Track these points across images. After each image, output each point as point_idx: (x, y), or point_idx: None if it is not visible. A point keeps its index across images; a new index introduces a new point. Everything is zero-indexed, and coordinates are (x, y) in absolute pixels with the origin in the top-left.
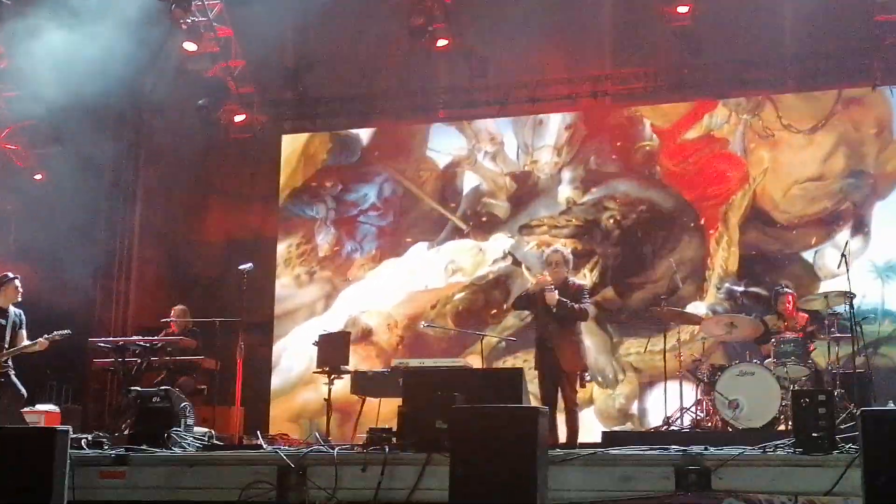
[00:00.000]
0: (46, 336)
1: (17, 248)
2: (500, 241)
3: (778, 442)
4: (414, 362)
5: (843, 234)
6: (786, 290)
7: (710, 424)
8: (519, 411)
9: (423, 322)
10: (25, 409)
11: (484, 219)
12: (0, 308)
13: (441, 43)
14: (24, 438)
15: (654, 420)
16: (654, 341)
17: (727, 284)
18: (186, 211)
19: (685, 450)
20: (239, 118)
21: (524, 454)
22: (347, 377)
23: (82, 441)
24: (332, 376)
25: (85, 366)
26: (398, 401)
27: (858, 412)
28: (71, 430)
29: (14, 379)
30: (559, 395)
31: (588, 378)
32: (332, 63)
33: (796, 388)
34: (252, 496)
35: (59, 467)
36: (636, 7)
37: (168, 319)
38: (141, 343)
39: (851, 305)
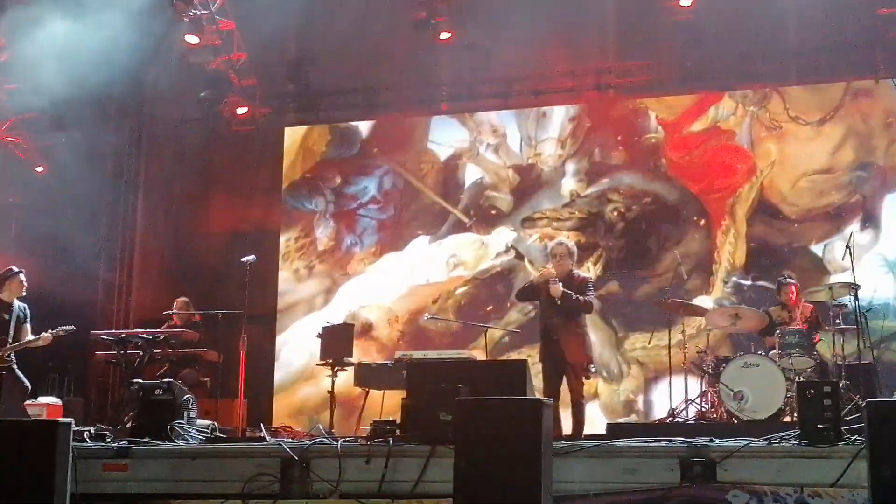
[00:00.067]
0: (50, 331)
1: (18, 241)
2: (503, 235)
3: (783, 434)
4: (418, 354)
5: (853, 228)
6: (788, 280)
7: (714, 416)
8: (523, 403)
9: (426, 314)
10: (27, 402)
11: (486, 212)
12: (4, 302)
13: (444, 36)
14: (26, 431)
15: (659, 414)
16: (658, 335)
17: (734, 278)
18: (189, 203)
19: (690, 442)
20: (241, 111)
21: (528, 446)
22: (350, 370)
23: (85, 434)
24: (336, 368)
25: (87, 358)
26: (402, 393)
27: (864, 403)
28: (73, 422)
29: (18, 372)
30: (562, 388)
31: (593, 370)
32: (335, 56)
33: (801, 379)
34: (255, 488)
35: (62, 460)
36: None
37: (170, 312)
38: (143, 335)
39: (856, 297)
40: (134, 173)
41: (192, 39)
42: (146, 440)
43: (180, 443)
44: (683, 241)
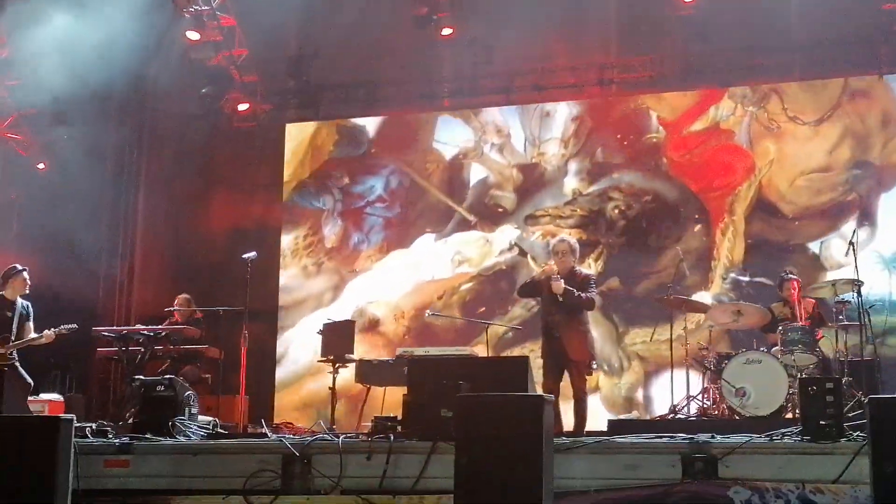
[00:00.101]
0: (53, 329)
1: (20, 238)
2: (507, 233)
3: (785, 430)
4: (419, 351)
5: (849, 225)
6: (790, 276)
7: (716, 413)
8: (524, 399)
9: (428, 311)
10: (29, 399)
11: (491, 210)
12: (8, 300)
13: (445, 31)
14: (28, 427)
15: (660, 407)
16: (659, 330)
17: (732, 274)
18: (190, 199)
19: (692, 438)
20: (242, 107)
21: (529, 442)
22: (352, 366)
23: (87, 430)
24: (337, 365)
25: (89, 355)
26: (403, 389)
27: (866, 400)
28: (75, 418)
29: (20, 369)
30: (562, 384)
31: (595, 367)
32: (336, 52)
33: (804, 376)
34: (257, 484)
35: (64, 456)
36: None
37: (172, 308)
38: (145, 332)
39: (859, 293)
40: (135, 170)
41: (193, 35)
42: (148, 436)
43: (182, 439)
44: (683, 239)
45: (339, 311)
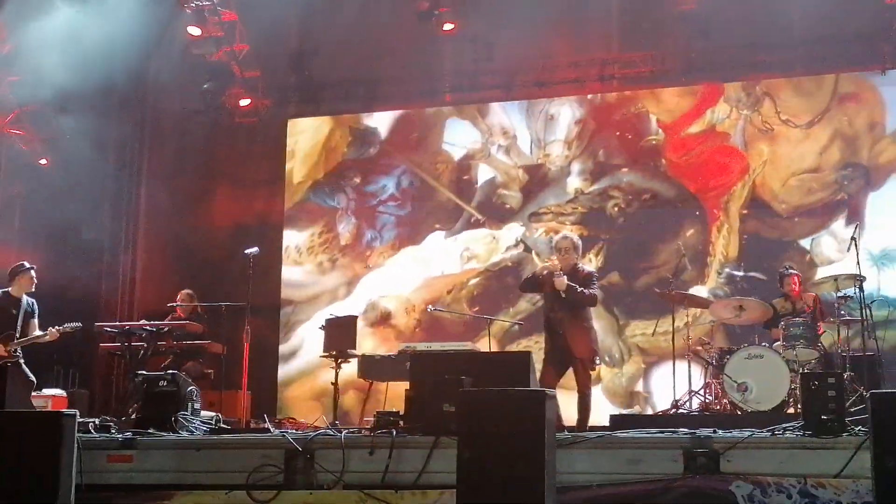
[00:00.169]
0: (57, 327)
1: (22, 233)
2: (513, 230)
3: (787, 425)
4: (421, 346)
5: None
6: (790, 270)
7: (718, 407)
8: (526, 394)
9: (430, 306)
10: (32, 394)
11: (498, 209)
12: (14, 297)
13: (447, 27)
14: (31, 423)
15: (661, 398)
16: (661, 323)
17: (727, 269)
18: (192, 195)
19: (694, 432)
20: (244, 102)
21: (532, 437)
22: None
23: (90, 425)
24: (339, 360)
25: (92, 350)
26: (406, 384)
27: (868, 395)
28: (78, 414)
29: (24, 367)
30: (563, 378)
31: (598, 362)
32: (337, 47)
33: (806, 370)
34: (260, 479)
35: (67, 451)
36: None
37: (174, 304)
38: (147, 327)
39: (861, 288)
40: (137, 166)
41: (194, 31)
42: (151, 432)
43: (185, 434)
44: (680, 236)
45: (353, 305)
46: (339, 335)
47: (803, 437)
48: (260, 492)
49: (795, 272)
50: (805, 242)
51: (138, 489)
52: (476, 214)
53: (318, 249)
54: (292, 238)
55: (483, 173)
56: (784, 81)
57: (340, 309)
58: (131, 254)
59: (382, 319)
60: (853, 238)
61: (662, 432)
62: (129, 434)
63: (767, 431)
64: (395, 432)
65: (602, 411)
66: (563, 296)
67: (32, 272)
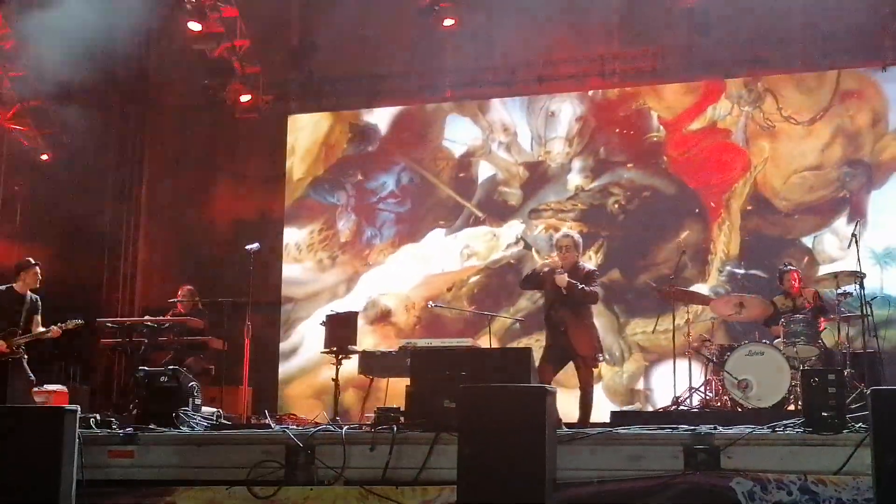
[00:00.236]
0: (60, 324)
1: (23, 228)
2: (514, 228)
3: (788, 421)
4: (421, 342)
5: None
6: (790, 267)
7: (719, 404)
8: (527, 390)
9: (430, 302)
10: (34, 389)
11: (498, 206)
12: (18, 293)
13: (448, 23)
14: (32, 418)
15: (662, 396)
16: (661, 321)
17: (728, 267)
18: (193, 191)
19: (694, 429)
20: (244, 98)
21: (532, 433)
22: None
23: (91, 420)
24: (340, 356)
25: (93, 346)
26: (406, 381)
27: (868, 392)
28: (79, 409)
29: (25, 365)
30: (565, 375)
31: (601, 359)
32: (338, 43)
33: (806, 367)
34: (260, 475)
35: (69, 446)
36: None
37: (175, 300)
38: (148, 323)
39: (862, 286)
40: (138, 161)
41: (194, 26)
42: (152, 427)
43: (186, 430)
44: (681, 233)
45: (353, 302)
46: (340, 331)
47: (804, 433)
48: (261, 487)
49: (794, 268)
50: (807, 240)
51: (139, 484)
52: (476, 212)
53: (317, 247)
54: (292, 235)
55: (483, 170)
56: (786, 78)
57: (340, 306)
58: (132, 249)
59: (382, 317)
60: (854, 234)
61: (663, 429)
62: (130, 429)
63: (768, 428)
64: (395, 428)
65: (603, 409)
66: (564, 293)
67: (37, 269)
